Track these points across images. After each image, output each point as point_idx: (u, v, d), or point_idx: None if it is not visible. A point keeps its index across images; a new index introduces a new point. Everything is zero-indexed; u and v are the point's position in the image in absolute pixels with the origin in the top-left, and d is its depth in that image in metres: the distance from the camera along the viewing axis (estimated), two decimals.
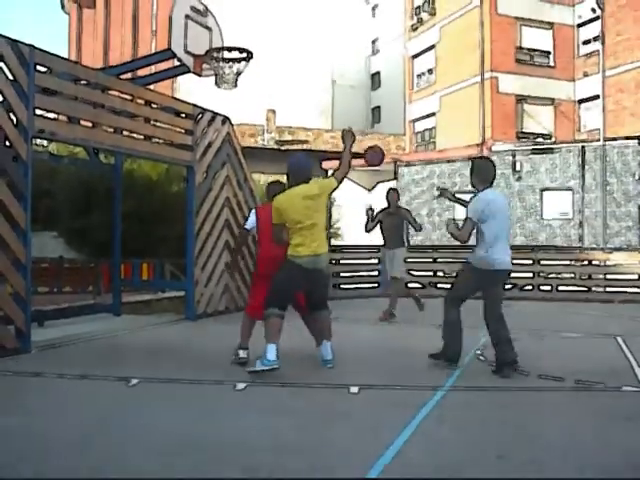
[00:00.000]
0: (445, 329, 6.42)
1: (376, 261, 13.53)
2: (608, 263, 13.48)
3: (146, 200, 14.03)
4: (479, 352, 6.96)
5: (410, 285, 11.24)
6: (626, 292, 12.71)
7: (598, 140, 23.80)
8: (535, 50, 27.93)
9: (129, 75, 9.53)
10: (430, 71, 31.03)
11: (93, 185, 14.17)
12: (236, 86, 8.95)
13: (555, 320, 10.08)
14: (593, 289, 13.07)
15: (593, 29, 26.80)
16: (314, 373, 5.90)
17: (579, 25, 28.09)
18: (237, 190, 10.66)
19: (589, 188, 23.27)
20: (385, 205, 10.01)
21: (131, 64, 10.08)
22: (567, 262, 13.98)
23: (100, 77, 8.13)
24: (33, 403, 4.92)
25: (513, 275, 13.21)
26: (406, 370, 6.21)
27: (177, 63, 8.95)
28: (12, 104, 6.61)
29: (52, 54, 7.28)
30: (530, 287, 13.22)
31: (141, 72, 9.92)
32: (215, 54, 8.82)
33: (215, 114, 10.17)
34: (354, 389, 5.26)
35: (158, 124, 9.14)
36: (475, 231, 6.14)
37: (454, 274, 13.73)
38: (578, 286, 13.24)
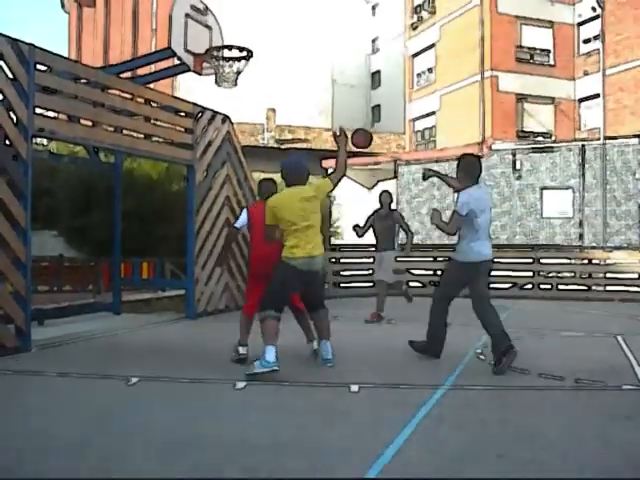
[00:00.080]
0: (430, 329, 6.59)
1: (373, 260, 13.53)
2: (608, 262, 13.48)
3: (146, 199, 14.04)
4: (479, 351, 6.96)
5: (402, 282, 11.20)
6: (626, 291, 12.71)
7: (598, 139, 23.78)
8: (535, 49, 27.90)
9: (129, 74, 9.54)
10: (430, 70, 31.00)
11: (93, 184, 14.19)
12: (236, 85, 8.95)
13: (555, 319, 10.08)
14: (593, 288, 13.07)
15: (593, 28, 26.76)
16: (314, 372, 5.90)
17: (579, 24, 28.06)
18: (237, 189, 10.66)
19: (589, 187, 23.25)
20: (386, 206, 9.88)
21: (131, 63, 10.09)
22: (567, 261, 13.99)
23: (100, 76, 8.13)
24: (33, 402, 4.92)
25: (513, 274, 13.36)
26: (406, 369, 6.21)
27: (177, 62, 8.96)
28: (12, 103, 6.61)
29: (52, 53, 7.28)
30: (530, 286, 13.23)
31: (141, 71, 9.92)
32: (215, 53, 8.82)
33: (215, 113, 10.17)
34: (354, 388, 5.26)
35: (158, 123, 9.14)
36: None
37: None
38: (578, 285, 13.24)
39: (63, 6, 45.45)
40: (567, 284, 13.32)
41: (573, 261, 13.92)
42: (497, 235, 24.70)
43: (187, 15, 8.79)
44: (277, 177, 6.46)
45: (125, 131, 8.59)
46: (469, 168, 6.50)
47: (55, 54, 7.37)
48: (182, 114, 9.51)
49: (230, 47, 8.86)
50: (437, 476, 3.43)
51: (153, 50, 18.36)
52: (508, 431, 4.20)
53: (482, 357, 6.69)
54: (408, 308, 10.06)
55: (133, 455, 3.72)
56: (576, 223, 23.47)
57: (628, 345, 7.42)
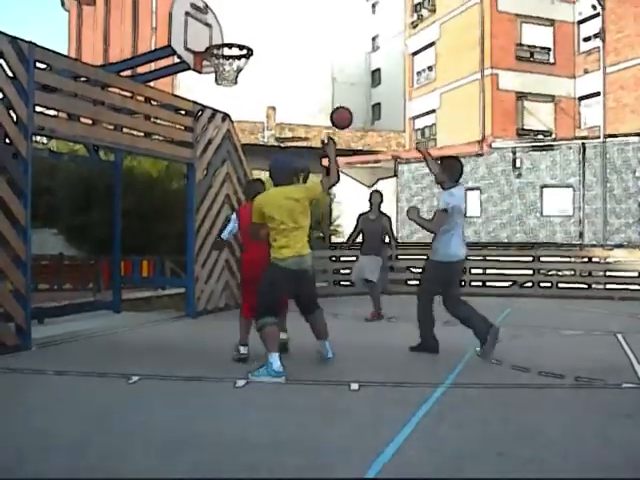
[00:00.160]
0: (420, 326, 6.78)
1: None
2: (608, 260, 13.48)
3: (146, 197, 14.04)
4: (479, 349, 6.95)
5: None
6: (626, 289, 12.71)
7: (598, 137, 23.78)
8: (535, 47, 27.89)
9: (129, 72, 9.53)
10: (430, 68, 30.99)
11: (93, 182, 14.18)
12: (236, 83, 8.95)
13: (555, 317, 10.08)
14: (593, 286, 13.07)
15: (593, 26, 26.75)
16: (314, 370, 5.90)
17: (579, 22, 28.04)
18: (237, 187, 10.65)
19: (589, 185, 23.26)
20: (376, 207, 9.70)
21: (131, 61, 10.07)
22: (567, 259, 13.99)
23: (100, 74, 8.13)
24: (33, 400, 4.92)
25: (513, 272, 13.37)
26: (406, 367, 6.22)
27: (177, 60, 8.96)
28: (12, 101, 6.61)
29: (52, 51, 7.28)
30: (530, 284, 13.23)
31: (141, 69, 9.93)
32: (215, 51, 8.82)
33: (215, 111, 10.16)
34: (354, 386, 5.26)
35: (158, 121, 9.14)
36: None
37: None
38: (578, 283, 13.23)
39: (63, 4, 45.43)
40: (567, 282, 13.32)
41: (573, 259, 13.93)
42: (497, 233, 24.75)
43: (187, 13, 8.79)
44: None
45: (125, 129, 8.59)
46: (452, 169, 6.73)
47: (55, 52, 7.37)
48: (182, 112, 9.51)
49: (230, 45, 8.86)
50: (437, 475, 3.43)
51: (153, 48, 18.37)
52: (508, 429, 4.20)
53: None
54: (408, 306, 10.04)
55: (133, 453, 3.72)
56: (576, 221, 23.49)
57: (628, 343, 7.42)
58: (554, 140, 25.61)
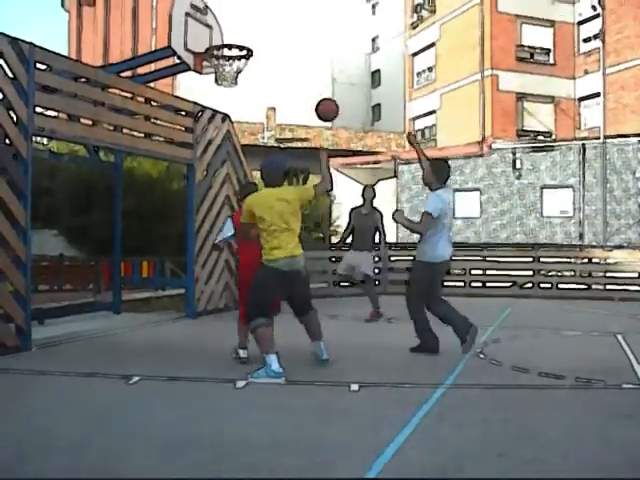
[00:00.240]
0: (417, 328, 6.85)
1: (376, 259, 13.52)
2: (608, 261, 13.48)
3: (146, 198, 14.05)
4: (479, 350, 6.96)
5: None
6: (626, 290, 12.71)
7: (598, 138, 23.79)
8: (535, 48, 27.91)
9: (129, 73, 9.53)
10: (430, 69, 31.02)
11: (93, 183, 14.20)
12: (236, 84, 8.96)
13: (555, 318, 10.08)
14: (593, 287, 13.06)
15: (594, 27, 26.78)
16: (314, 371, 5.90)
17: (579, 23, 28.06)
18: (237, 188, 10.65)
19: (589, 186, 23.27)
20: (369, 202, 9.70)
21: (131, 62, 10.07)
22: (567, 260, 13.98)
23: (100, 75, 8.13)
24: (34, 401, 4.92)
25: (513, 273, 13.36)
26: (406, 368, 6.22)
27: (177, 61, 8.97)
28: (12, 102, 6.61)
29: (52, 52, 7.28)
30: (530, 285, 13.23)
31: (141, 70, 9.92)
32: (215, 52, 8.83)
33: (215, 112, 10.16)
34: (354, 387, 5.26)
35: (158, 122, 9.14)
36: None
37: (454, 271, 13.81)
38: (578, 284, 13.23)
39: (63, 5, 45.44)
40: (567, 283, 13.32)
41: (573, 260, 13.92)
42: (497, 234, 24.75)
43: (187, 14, 8.79)
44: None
45: (125, 130, 8.59)
46: (440, 171, 6.85)
47: (55, 53, 7.37)
48: (182, 113, 9.51)
49: (230, 46, 8.87)
50: (437, 475, 3.43)
51: (153, 49, 18.36)
52: (508, 430, 4.20)
53: (482, 356, 6.69)
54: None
55: (133, 454, 3.72)
56: (576, 222, 23.49)
57: (628, 344, 7.42)
58: (554, 141, 25.61)
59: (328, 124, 34.86)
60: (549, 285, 13.19)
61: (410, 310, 6.86)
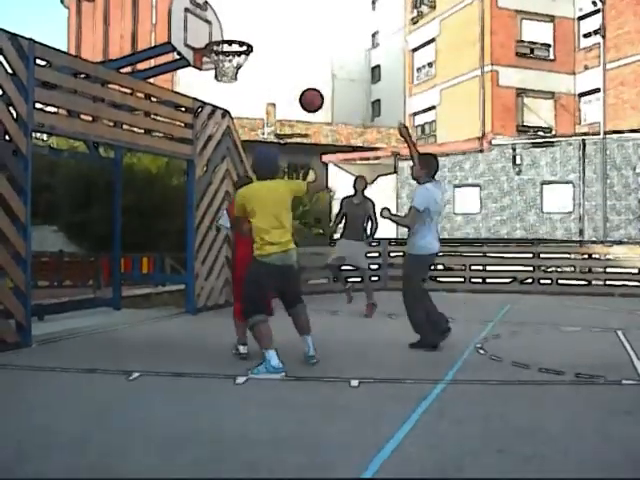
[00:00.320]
0: (415, 325, 6.83)
1: (377, 254, 13.54)
2: (608, 256, 13.48)
3: (146, 194, 14.03)
4: (479, 345, 6.97)
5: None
6: (626, 285, 12.71)
7: (598, 133, 23.76)
8: (535, 43, 27.89)
9: (129, 69, 9.52)
10: (430, 64, 30.99)
11: (93, 179, 14.18)
12: (236, 80, 8.94)
13: (555, 314, 10.09)
14: (593, 283, 13.07)
15: (594, 22, 26.73)
16: (314, 367, 5.90)
17: (580, 18, 28.02)
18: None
19: (589, 181, 23.24)
20: (360, 192, 9.77)
21: (131, 58, 10.05)
22: (567, 255, 13.99)
23: (100, 71, 8.12)
24: (34, 397, 4.92)
25: (513, 268, 13.37)
26: (406, 364, 6.21)
27: (177, 57, 8.95)
28: (12, 98, 6.60)
29: (52, 48, 7.27)
30: (530, 280, 13.23)
31: (141, 66, 9.91)
32: (215, 48, 8.81)
33: (215, 107, 10.15)
34: (354, 382, 5.26)
35: (158, 118, 9.12)
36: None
37: (455, 267, 13.81)
38: (578, 280, 13.24)
39: (63, 1, 45.37)
40: (567, 279, 13.33)
41: (573, 256, 13.92)
42: (497, 230, 24.74)
43: (187, 10, 8.78)
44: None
45: (125, 126, 8.57)
46: (428, 165, 6.91)
47: (55, 49, 7.36)
48: (182, 109, 9.49)
49: (230, 42, 8.86)
50: (437, 471, 3.43)
51: (153, 45, 18.35)
52: (508, 426, 4.20)
53: (482, 352, 6.69)
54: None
55: (133, 450, 3.72)
56: (576, 218, 23.47)
57: (628, 340, 7.42)
58: (554, 136, 25.58)
59: (328, 119, 34.89)
60: (549, 281, 13.20)
61: (407, 306, 6.87)
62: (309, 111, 6.48)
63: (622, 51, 25.38)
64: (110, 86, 8.27)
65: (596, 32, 26.37)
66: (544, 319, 9.19)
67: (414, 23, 31.89)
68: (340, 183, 21.43)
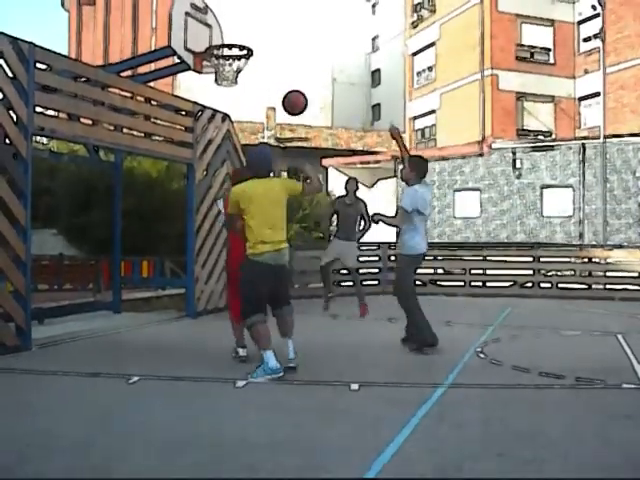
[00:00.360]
0: (413, 326, 6.92)
1: (377, 258, 13.54)
2: (608, 260, 13.47)
3: (146, 197, 14.04)
4: (479, 349, 6.96)
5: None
6: (626, 289, 12.70)
7: (598, 137, 23.79)
8: (535, 47, 27.92)
9: (129, 72, 9.52)
10: (430, 68, 31.01)
11: (93, 182, 14.19)
12: (236, 83, 8.95)
13: (555, 317, 10.07)
14: (593, 287, 13.05)
15: (593, 26, 26.77)
16: (314, 370, 5.89)
17: (579, 22, 28.06)
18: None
19: (589, 185, 23.27)
20: (352, 194, 9.99)
21: (131, 61, 10.07)
22: (567, 259, 13.98)
23: (100, 74, 8.12)
24: (34, 401, 4.92)
25: (513, 272, 13.37)
26: (406, 367, 6.22)
27: (177, 60, 8.96)
28: (12, 102, 6.60)
29: (52, 51, 7.27)
30: (530, 284, 13.22)
31: (141, 69, 9.92)
32: (215, 51, 8.82)
33: (215, 111, 10.16)
34: (354, 386, 5.26)
35: (158, 121, 9.13)
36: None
37: (455, 271, 13.81)
38: (578, 284, 13.22)
39: (63, 4, 45.44)
40: (567, 283, 13.31)
41: (573, 260, 13.91)
42: (497, 233, 24.77)
43: (187, 13, 8.79)
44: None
45: (125, 130, 8.58)
46: (417, 167, 7.04)
47: (55, 53, 7.36)
48: (182, 113, 9.50)
49: (230, 46, 8.87)
50: (437, 475, 3.43)
51: (153, 49, 18.37)
52: (508, 430, 4.20)
53: (482, 355, 6.69)
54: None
55: (134, 453, 3.72)
56: (576, 221, 23.50)
57: (628, 344, 7.41)
58: (554, 140, 25.62)
59: (328, 123, 34.93)
60: (549, 285, 13.18)
61: (403, 307, 6.99)
62: (292, 114, 6.47)
63: (622, 55, 25.41)
64: (110, 90, 8.28)
65: (596, 36, 26.41)
66: (544, 323, 9.18)
67: (414, 27, 31.93)
68: (340, 187, 21.43)
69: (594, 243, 21.14)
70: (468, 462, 3.59)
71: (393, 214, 7.22)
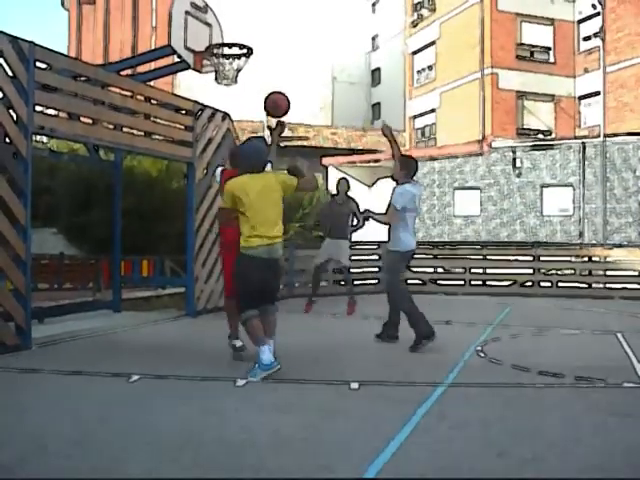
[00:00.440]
0: (408, 317, 7.04)
1: (377, 257, 13.54)
2: (608, 259, 13.48)
3: (146, 197, 14.03)
4: (479, 348, 6.97)
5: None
6: (626, 288, 12.71)
7: (598, 136, 23.78)
8: (535, 46, 27.91)
9: (129, 71, 9.53)
10: (430, 67, 31.01)
11: (93, 182, 14.19)
12: (236, 82, 8.95)
13: (555, 316, 10.09)
14: (593, 285, 13.06)
15: (594, 25, 26.75)
16: (314, 369, 5.90)
17: (579, 21, 28.04)
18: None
19: (589, 184, 23.27)
20: (343, 194, 10.22)
21: (131, 60, 10.07)
22: (567, 258, 13.99)
23: (100, 73, 8.12)
24: (33, 400, 4.92)
25: (513, 271, 13.38)
26: (406, 366, 6.21)
27: (177, 59, 8.95)
28: (12, 101, 6.60)
29: (52, 50, 7.27)
30: (530, 283, 13.23)
31: (141, 68, 9.92)
32: (215, 50, 8.82)
33: (215, 110, 10.15)
34: (354, 385, 5.26)
35: (158, 120, 9.12)
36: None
37: (455, 270, 13.82)
38: (578, 282, 13.23)
39: (63, 4, 45.42)
40: (567, 281, 13.32)
41: (573, 258, 13.93)
42: (497, 232, 24.76)
43: (187, 12, 8.78)
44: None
45: (125, 129, 8.57)
46: (407, 166, 7.23)
47: (55, 52, 7.35)
48: (182, 112, 9.50)
49: (230, 44, 8.86)
50: (437, 474, 3.43)
51: (153, 48, 18.37)
52: (508, 429, 4.20)
53: (482, 354, 6.69)
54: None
55: (134, 453, 3.71)
56: (576, 220, 23.50)
57: (628, 342, 7.42)
58: (554, 139, 25.61)
59: (328, 122, 34.92)
60: (549, 284, 13.19)
61: (397, 304, 7.18)
62: (274, 116, 6.45)
63: (622, 54, 25.40)
64: (110, 89, 8.28)
65: (596, 35, 26.39)
66: (544, 322, 9.19)
67: (414, 26, 31.91)
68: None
69: (594, 242, 21.15)
70: (468, 461, 3.59)
71: (384, 212, 7.34)
